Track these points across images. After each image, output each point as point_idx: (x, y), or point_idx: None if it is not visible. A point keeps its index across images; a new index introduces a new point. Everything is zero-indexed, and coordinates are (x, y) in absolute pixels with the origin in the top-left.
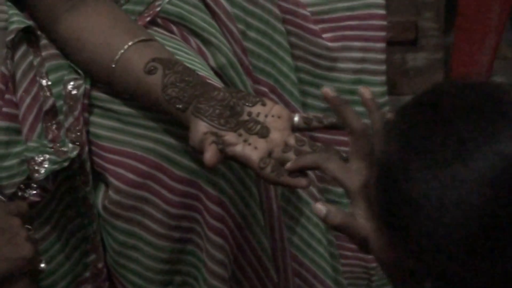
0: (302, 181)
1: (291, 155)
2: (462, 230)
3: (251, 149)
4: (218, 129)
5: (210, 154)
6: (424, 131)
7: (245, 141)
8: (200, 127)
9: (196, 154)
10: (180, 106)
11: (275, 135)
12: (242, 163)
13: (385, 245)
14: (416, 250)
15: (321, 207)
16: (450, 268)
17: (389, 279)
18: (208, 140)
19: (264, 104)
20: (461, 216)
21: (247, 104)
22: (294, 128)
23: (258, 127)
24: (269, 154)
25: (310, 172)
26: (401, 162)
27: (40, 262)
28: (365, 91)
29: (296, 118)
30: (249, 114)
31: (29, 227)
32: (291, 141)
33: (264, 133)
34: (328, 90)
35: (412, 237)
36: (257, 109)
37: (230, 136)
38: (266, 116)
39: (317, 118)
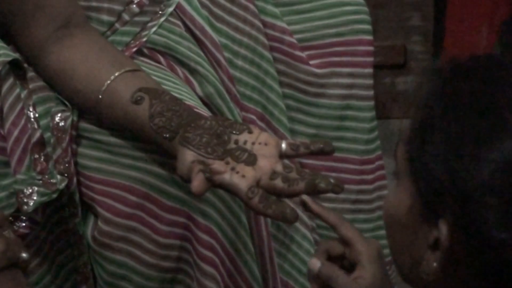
0: (289, 215)
1: (278, 182)
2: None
3: (239, 178)
4: (205, 157)
5: (197, 183)
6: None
7: (232, 169)
8: (188, 156)
9: (184, 183)
10: (167, 135)
11: (263, 163)
12: (230, 191)
13: (401, 195)
14: (441, 178)
15: (315, 262)
16: (474, 200)
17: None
18: (195, 168)
19: (250, 132)
20: (497, 158)
21: (234, 132)
22: (282, 155)
23: (246, 155)
24: (257, 181)
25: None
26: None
27: (20, 253)
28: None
29: (283, 145)
30: (236, 142)
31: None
32: (279, 168)
33: (251, 160)
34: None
35: (441, 161)
36: (244, 137)
37: (217, 165)
38: (253, 143)
39: (304, 144)
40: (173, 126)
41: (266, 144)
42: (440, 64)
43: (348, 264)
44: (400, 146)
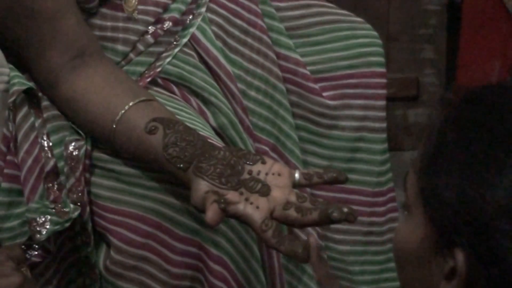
0: (301, 255)
1: (292, 212)
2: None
3: (253, 209)
4: (219, 188)
5: (211, 213)
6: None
7: (246, 199)
8: (202, 186)
9: (197, 213)
10: (181, 165)
11: (276, 193)
12: (243, 222)
13: (412, 227)
14: (455, 205)
15: None
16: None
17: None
18: (209, 199)
19: (264, 162)
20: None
21: (247, 162)
22: (295, 185)
23: (259, 185)
24: (271, 212)
25: (311, 230)
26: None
27: None
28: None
29: (296, 175)
30: (250, 172)
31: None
32: (292, 198)
33: (265, 191)
34: None
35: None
36: (257, 167)
37: (231, 195)
38: (266, 174)
39: (317, 173)
40: (187, 156)
41: (279, 175)
42: (451, 95)
43: None
44: (410, 176)
